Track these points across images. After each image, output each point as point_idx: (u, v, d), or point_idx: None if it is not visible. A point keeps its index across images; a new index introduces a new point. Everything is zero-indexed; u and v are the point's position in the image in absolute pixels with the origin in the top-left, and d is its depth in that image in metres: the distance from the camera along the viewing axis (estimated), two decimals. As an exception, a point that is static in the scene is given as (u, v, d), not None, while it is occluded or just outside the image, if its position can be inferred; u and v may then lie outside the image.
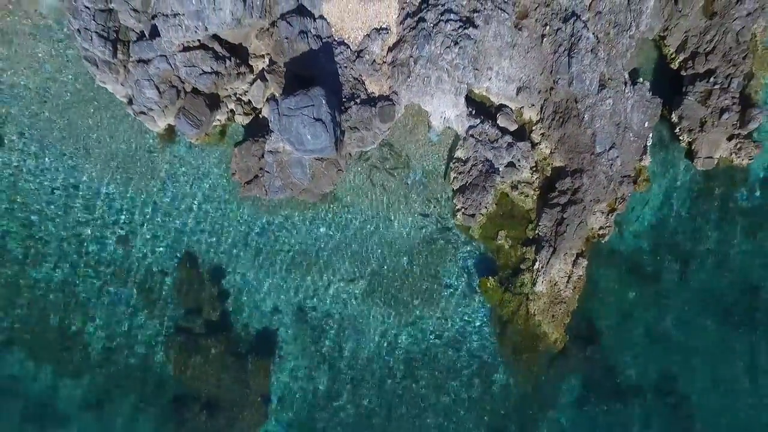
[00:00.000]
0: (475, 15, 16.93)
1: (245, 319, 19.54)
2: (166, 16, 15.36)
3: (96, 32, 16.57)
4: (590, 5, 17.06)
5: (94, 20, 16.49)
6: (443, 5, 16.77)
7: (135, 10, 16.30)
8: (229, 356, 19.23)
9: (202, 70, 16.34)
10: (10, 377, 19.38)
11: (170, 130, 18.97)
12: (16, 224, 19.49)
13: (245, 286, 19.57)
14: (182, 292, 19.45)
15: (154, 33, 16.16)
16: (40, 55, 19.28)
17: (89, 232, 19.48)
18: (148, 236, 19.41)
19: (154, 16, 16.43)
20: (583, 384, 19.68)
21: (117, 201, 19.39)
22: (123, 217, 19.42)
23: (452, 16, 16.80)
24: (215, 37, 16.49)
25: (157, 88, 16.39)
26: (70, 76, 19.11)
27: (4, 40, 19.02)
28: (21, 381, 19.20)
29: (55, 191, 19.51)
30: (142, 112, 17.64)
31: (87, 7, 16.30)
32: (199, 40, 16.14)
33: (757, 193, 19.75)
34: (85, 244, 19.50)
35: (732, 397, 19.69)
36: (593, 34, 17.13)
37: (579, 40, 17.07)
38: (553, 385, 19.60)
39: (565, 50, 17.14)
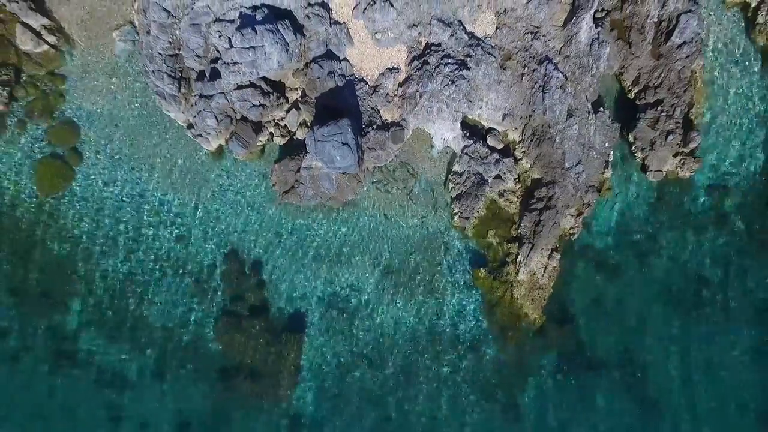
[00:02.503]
0: (468, 59, 20.60)
1: (280, 303, 22.30)
2: (227, 64, 19.11)
3: (166, 72, 20.22)
4: (560, 50, 20.74)
5: (165, 63, 20.18)
6: (443, 51, 20.54)
7: (198, 56, 20.07)
8: (267, 334, 21.95)
9: (252, 104, 19.89)
10: (88, 351, 21.71)
11: (220, 149, 22.17)
12: (93, 226, 22.11)
13: (280, 277, 22.34)
14: (228, 281, 22.21)
15: (215, 74, 19.79)
16: (113, 87, 22.28)
17: (152, 232, 22.25)
18: (200, 235, 22.32)
19: (212, 61, 20.19)
20: (558, 356, 22.33)
21: (175, 206, 22.32)
22: (180, 219, 22.33)
23: (450, 60, 20.41)
24: (262, 77, 20.24)
25: (216, 118, 20.05)
26: (137, 105, 22.24)
27: (85, 75, 22.28)
28: (96, 354, 21.75)
29: (124, 199, 22.29)
30: (199, 135, 21.15)
31: (160, 54, 20.06)
32: (250, 81, 19.93)
33: (700, 200, 22.86)
34: (149, 241, 22.25)
35: (681, 368, 22.35)
36: (562, 73, 20.56)
37: (551, 78, 20.39)
38: (533, 357, 22.26)
39: (540, 86, 20.56)
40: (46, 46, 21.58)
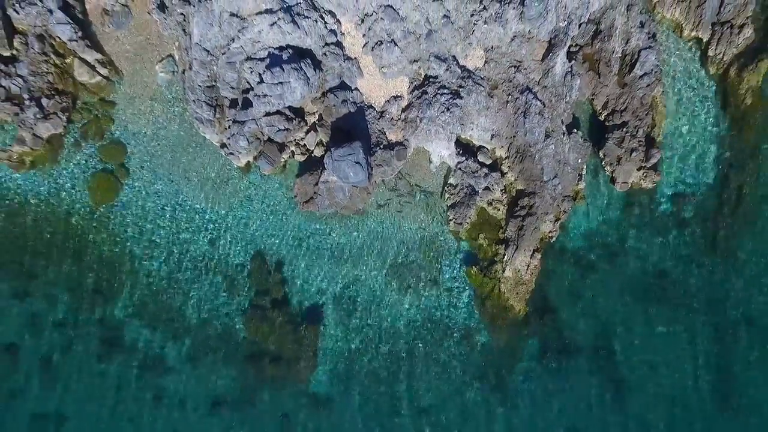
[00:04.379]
0: (461, 89, 23.36)
1: (299, 297, 24.50)
2: (258, 96, 22.28)
3: (204, 101, 23.25)
4: (539, 81, 23.55)
5: (204, 93, 23.24)
6: (439, 82, 23.47)
7: (232, 88, 23.20)
8: (288, 324, 24.09)
9: (278, 128, 22.79)
10: (133, 340, 24.01)
11: (248, 165, 24.42)
12: (138, 231, 24.52)
13: (299, 274, 24.58)
14: (254, 278, 24.35)
15: (246, 104, 22.81)
16: (155, 111, 24.62)
17: (188, 236, 24.51)
18: (229, 239, 24.61)
19: (244, 91, 23.27)
20: (540, 343, 24.43)
21: (208, 214, 24.61)
22: (212, 225, 24.61)
23: (445, 90, 23.18)
24: (287, 106, 23.19)
25: (247, 140, 23.07)
26: (176, 126, 24.64)
27: (132, 101, 24.61)
28: (140, 342, 24.08)
29: (164, 207, 24.61)
30: (231, 153, 23.91)
31: (200, 86, 23.17)
32: (277, 109, 22.95)
33: (662, 206, 24.87)
34: (186, 244, 24.52)
35: (649, 352, 24.36)
36: (540, 101, 23.11)
37: (530, 105, 22.97)
38: (518, 343, 24.35)
39: (521, 112, 23.16)
40: (99, 77, 24.41)
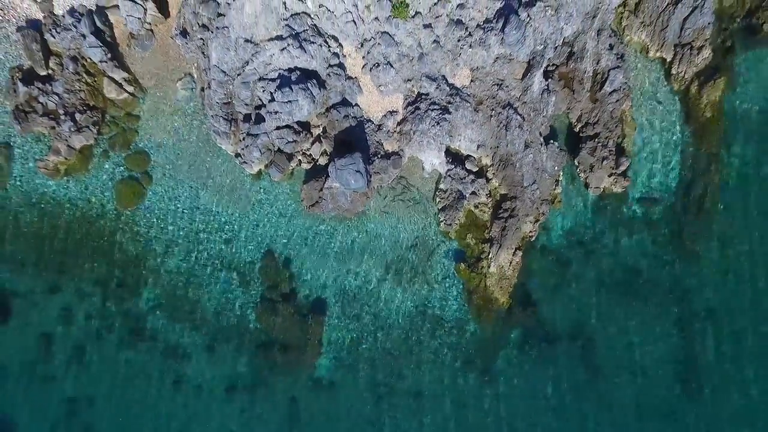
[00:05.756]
0: (449, 105, 25.41)
1: (305, 291, 26.25)
2: (270, 112, 24.83)
3: (221, 116, 25.78)
4: (519, 98, 25.80)
5: (221, 109, 25.84)
6: (430, 99, 25.77)
7: (246, 104, 25.82)
8: (296, 315, 25.80)
9: (287, 140, 25.08)
10: (156, 330, 26.04)
11: (259, 172, 26.32)
12: (160, 232, 26.60)
13: (306, 270, 26.33)
14: (265, 274, 26.10)
15: (259, 119, 25.24)
16: (175, 124, 26.89)
17: (205, 236, 26.54)
18: (243, 238, 26.51)
19: (256, 107, 25.86)
20: (522, 332, 26.03)
21: (223, 216, 26.58)
22: (227, 226, 26.56)
23: (435, 105, 25.21)
24: (295, 121, 25.70)
25: (260, 151, 25.60)
26: (194, 137, 26.83)
27: (155, 115, 26.94)
28: (162, 332, 26.02)
29: (184, 211, 26.66)
30: (245, 162, 26.16)
31: (217, 102, 25.83)
32: (286, 124, 25.36)
33: (632, 208, 26.63)
34: (203, 244, 26.51)
35: (621, 339, 25.79)
36: (520, 115, 25.10)
37: (511, 119, 25.00)
38: (503, 332, 25.96)
39: (503, 125, 25.14)
40: (125, 94, 26.97)
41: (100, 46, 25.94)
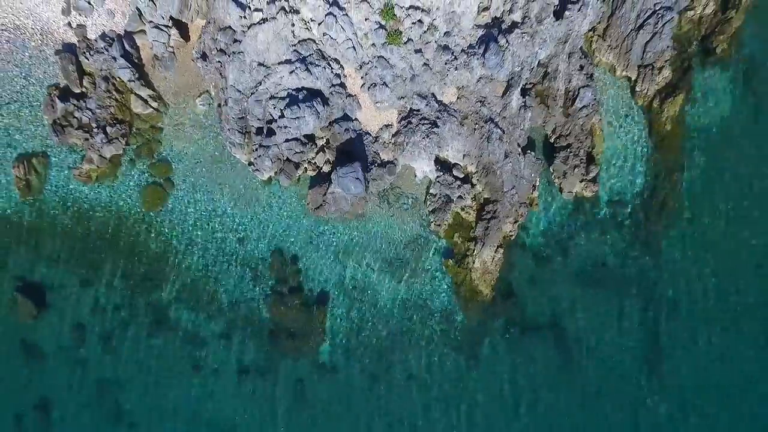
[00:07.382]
0: (438, 120, 28.11)
1: (311, 285, 28.47)
2: (281, 127, 28.09)
3: (236, 129, 29.03)
4: (499, 113, 28.90)
5: (236, 123, 29.14)
6: (421, 114, 28.76)
7: (258, 119, 29.13)
8: (302, 306, 27.99)
9: (295, 151, 28.22)
10: (176, 319, 28.28)
11: (269, 179, 28.71)
12: (180, 232, 28.98)
13: (311, 266, 28.53)
14: (274, 269, 28.31)
15: (270, 132, 28.52)
16: (195, 136, 29.36)
17: (221, 235, 28.83)
18: (254, 237, 28.77)
19: (268, 122, 29.24)
20: (505, 321, 28.28)
21: (237, 218, 28.93)
22: (241, 227, 28.86)
23: (426, 120, 27.95)
24: (303, 134, 29.21)
25: (271, 160, 28.79)
26: (211, 147, 29.34)
27: (176, 128, 29.56)
28: (182, 322, 28.24)
29: (202, 213, 29.02)
30: (257, 170, 29.02)
31: (233, 117, 29.14)
32: (294, 137, 28.63)
33: (602, 210, 29.41)
34: (219, 242, 28.75)
35: (593, 324, 28.13)
36: (500, 129, 27.79)
37: (492, 132, 27.65)
38: (487, 321, 28.16)
39: (486, 137, 27.72)
40: (150, 109, 29.86)
41: (129, 67, 29.10)
